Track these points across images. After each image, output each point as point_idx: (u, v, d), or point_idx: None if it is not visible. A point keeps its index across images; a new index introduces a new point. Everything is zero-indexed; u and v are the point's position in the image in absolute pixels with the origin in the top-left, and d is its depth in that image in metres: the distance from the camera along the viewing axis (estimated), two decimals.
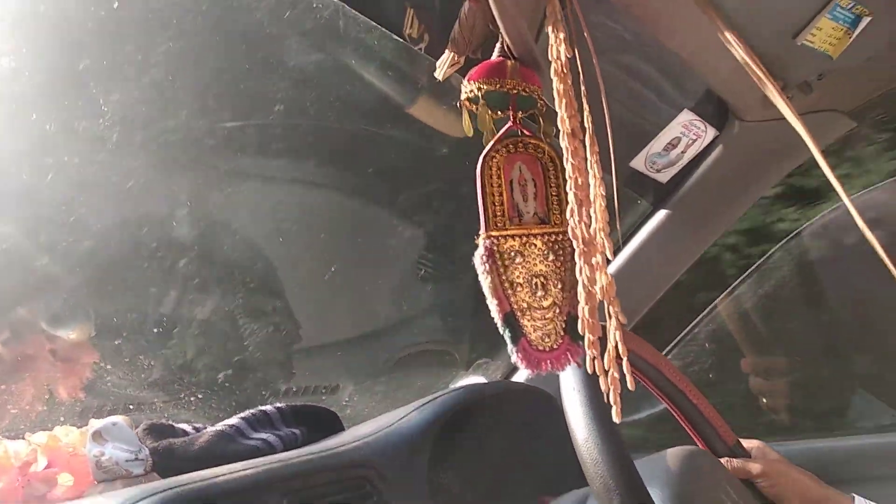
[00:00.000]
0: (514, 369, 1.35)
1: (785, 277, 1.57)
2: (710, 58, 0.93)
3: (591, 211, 0.51)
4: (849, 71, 0.98)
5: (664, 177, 1.18)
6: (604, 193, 0.51)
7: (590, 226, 0.50)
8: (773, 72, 1.00)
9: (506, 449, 1.08)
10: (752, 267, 1.52)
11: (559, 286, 0.59)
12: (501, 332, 0.58)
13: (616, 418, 0.49)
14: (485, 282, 0.59)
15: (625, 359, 0.48)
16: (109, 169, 1.05)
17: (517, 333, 0.57)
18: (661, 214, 1.21)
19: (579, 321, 0.50)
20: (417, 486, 0.83)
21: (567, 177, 0.51)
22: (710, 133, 1.13)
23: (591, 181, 0.52)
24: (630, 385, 0.48)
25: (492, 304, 0.58)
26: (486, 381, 1.45)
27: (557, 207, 0.61)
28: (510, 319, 0.58)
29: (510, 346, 0.57)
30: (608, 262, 0.51)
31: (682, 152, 1.15)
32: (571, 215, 0.50)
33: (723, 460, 0.97)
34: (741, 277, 1.53)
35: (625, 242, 1.24)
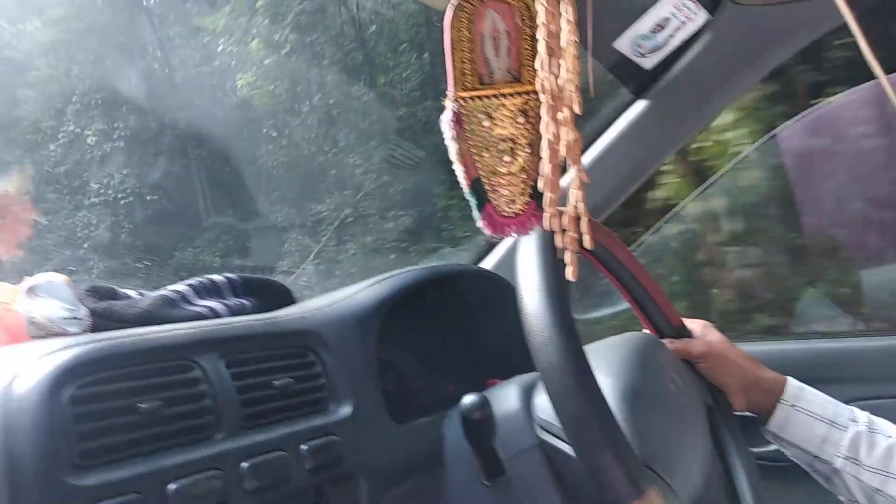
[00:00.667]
0: (479, 260, 1.32)
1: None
2: None
3: (563, 61, 0.46)
4: None
5: (649, 62, 1.11)
6: (577, 41, 0.46)
7: (559, 77, 0.45)
8: None
9: (458, 330, 1.07)
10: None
11: (528, 150, 0.54)
12: (467, 197, 0.54)
13: (571, 277, 0.46)
14: (451, 147, 0.54)
15: (584, 218, 0.45)
16: None
17: (483, 199, 0.53)
18: (642, 104, 1.16)
19: (540, 179, 0.46)
20: (364, 360, 0.81)
21: (538, 22, 0.45)
22: (702, 16, 1.06)
23: (564, 26, 0.46)
24: (588, 244, 0.44)
25: (458, 169, 0.54)
26: None
27: (531, 64, 0.55)
28: (477, 185, 0.53)
29: (475, 213, 0.53)
30: (576, 118, 0.46)
31: (671, 36, 1.08)
32: (541, 66, 0.45)
33: (666, 341, 0.97)
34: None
35: (602, 131, 1.19)
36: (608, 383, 0.77)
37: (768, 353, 1.36)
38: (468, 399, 0.78)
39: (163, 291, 0.80)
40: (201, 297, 0.81)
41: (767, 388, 0.97)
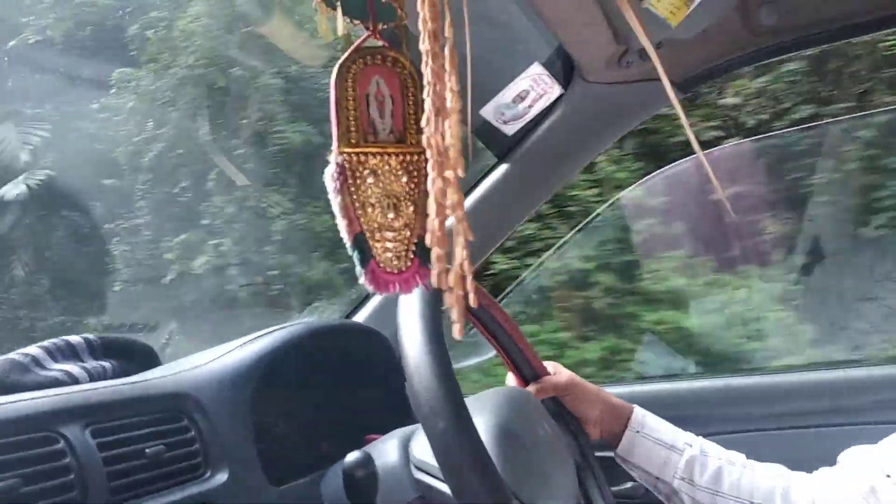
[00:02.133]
0: (352, 314, 1.30)
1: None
2: (563, 11, 0.93)
3: (448, 124, 0.47)
4: (682, 42, 1.03)
5: (510, 129, 1.18)
6: (459, 109, 0.47)
7: (444, 137, 0.47)
8: (620, 34, 1.03)
9: (336, 387, 1.05)
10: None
11: (412, 208, 0.55)
12: (350, 253, 0.53)
13: (457, 335, 0.46)
14: (335, 201, 0.53)
15: (468, 277, 0.46)
16: None
17: (367, 255, 0.53)
18: (505, 167, 1.22)
19: (427, 234, 0.46)
20: (241, 421, 0.77)
21: (425, 83, 0.47)
22: (557, 90, 1.14)
23: (448, 95, 0.48)
24: (473, 302, 0.45)
25: (342, 224, 0.53)
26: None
27: (415, 127, 0.56)
28: (360, 241, 0.53)
29: (359, 268, 0.53)
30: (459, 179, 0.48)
31: (529, 106, 1.15)
32: (427, 123, 0.46)
33: (532, 385, 1.02)
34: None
35: (468, 193, 1.23)
36: (483, 424, 0.78)
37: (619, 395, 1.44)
38: (352, 457, 0.76)
39: (11, 355, 0.72)
40: (56, 360, 0.74)
41: (618, 416, 1.05)
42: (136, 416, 0.65)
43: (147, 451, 0.64)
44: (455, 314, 0.47)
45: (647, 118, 1.20)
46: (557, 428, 0.97)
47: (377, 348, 1.08)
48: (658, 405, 1.38)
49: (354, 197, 0.53)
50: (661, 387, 1.46)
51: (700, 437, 1.05)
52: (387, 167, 0.54)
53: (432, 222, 0.48)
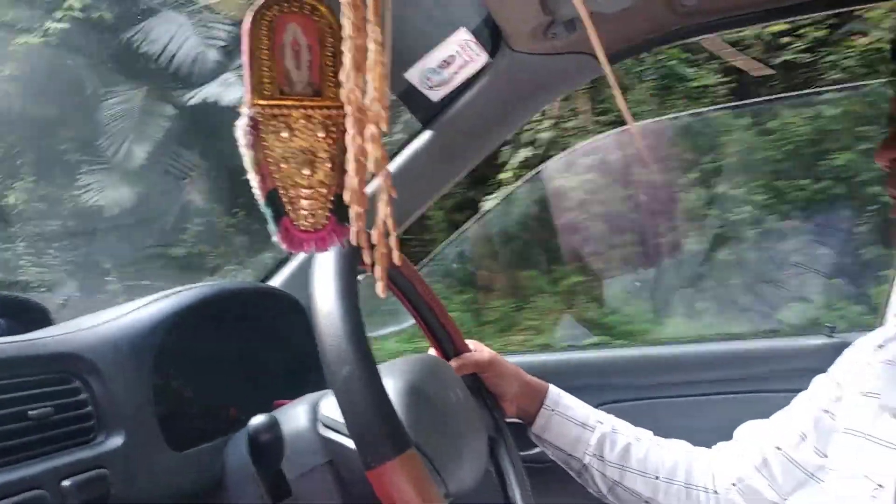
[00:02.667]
0: (267, 279, 1.26)
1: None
2: None
3: (370, 78, 0.45)
4: (608, 17, 1.03)
5: (436, 95, 1.15)
6: (384, 62, 0.45)
7: (365, 92, 0.44)
8: (547, 5, 1.02)
9: (246, 352, 1.01)
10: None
11: (329, 165, 0.52)
12: (263, 210, 0.50)
13: (381, 293, 0.45)
14: (247, 156, 0.50)
15: (392, 234, 0.44)
16: None
17: (280, 212, 0.50)
18: (429, 133, 1.20)
19: (346, 192, 0.44)
20: (139, 385, 0.72)
21: (344, 35, 0.44)
22: (483, 57, 1.13)
23: (371, 46, 0.46)
24: (397, 260, 0.44)
25: (254, 180, 0.50)
26: None
27: (333, 80, 0.53)
28: (273, 197, 0.50)
29: (271, 226, 0.50)
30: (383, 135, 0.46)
31: (455, 72, 1.13)
32: (346, 79, 0.44)
33: (453, 361, 1.02)
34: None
35: (393, 157, 1.21)
36: (392, 384, 0.78)
37: (528, 364, 1.47)
38: (256, 420, 0.73)
39: None
40: None
41: (533, 395, 1.07)
42: (19, 376, 0.60)
43: (31, 413, 0.59)
44: (378, 271, 0.46)
45: (571, 90, 1.21)
46: (472, 399, 0.98)
47: (291, 314, 1.05)
48: (564, 374, 1.42)
49: (267, 152, 0.50)
50: (566, 356, 1.49)
51: (611, 416, 1.08)
52: (302, 121, 0.52)
53: (351, 180, 0.45)
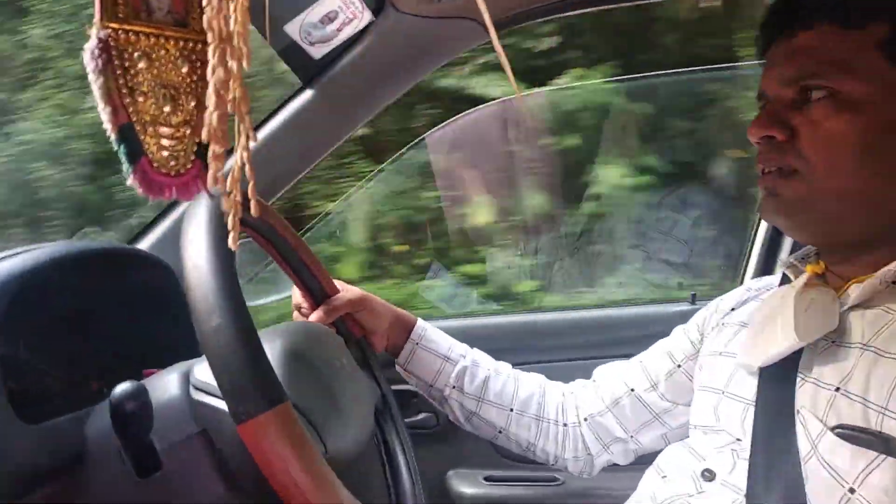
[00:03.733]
0: (134, 241, 1.16)
1: None
2: None
3: (233, 10, 0.41)
4: None
5: (317, 52, 1.10)
6: None
7: (229, 21, 0.40)
8: None
9: (109, 319, 0.92)
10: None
11: (193, 103, 0.47)
12: (115, 147, 0.44)
13: (232, 245, 0.41)
14: (96, 83, 0.44)
15: (251, 182, 0.40)
16: None
17: (136, 150, 0.45)
18: (310, 92, 1.14)
19: (204, 129, 0.40)
20: None
21: None
22: (367, 16, 1.08)
23: None
24: (254, 211, 0.40)
25: (104, 111, 0.44)
26: None
27: (198, 11, 0.48)
28: (127, 133, 0.44)
29: (125, 166, 0.44)
30: (244, 71, 0.41)
31: (338, 30, 1.08)
32: (208, 3, 0.39)
33: (324, 304, 1.00)
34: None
35: (272, 115, 1.14)
36: (271, 346, 0.74)
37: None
38: (120, 388, 0.67)
39: None
40: None
41: (402, 328, 1.08)
42: None
43: None
44: (230, 220, 0.42)
45: (456, 56, 1.19)
46: (358, 369, 0.95)
47: (160, 278, 0.97)
48: (462, 340, 1.42)
49: (121, 81, 0.44)
50: (465, 322, 1.50)
51: (474, 349, 1.11)
52: (163, 52, 0.46)
53: (210, 115, 0.41)
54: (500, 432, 1.07)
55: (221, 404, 0.66)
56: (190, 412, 0.72)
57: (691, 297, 1.45)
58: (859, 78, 0.71)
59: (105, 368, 0.91)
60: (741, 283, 1.52)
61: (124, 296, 0.95)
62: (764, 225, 1.44)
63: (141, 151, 0.45)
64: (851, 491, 0.65)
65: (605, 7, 1.15)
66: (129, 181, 0.45)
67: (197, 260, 0.62)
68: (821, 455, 0.68)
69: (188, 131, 0.47)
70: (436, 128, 1.58)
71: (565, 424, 1.06)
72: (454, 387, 1.06)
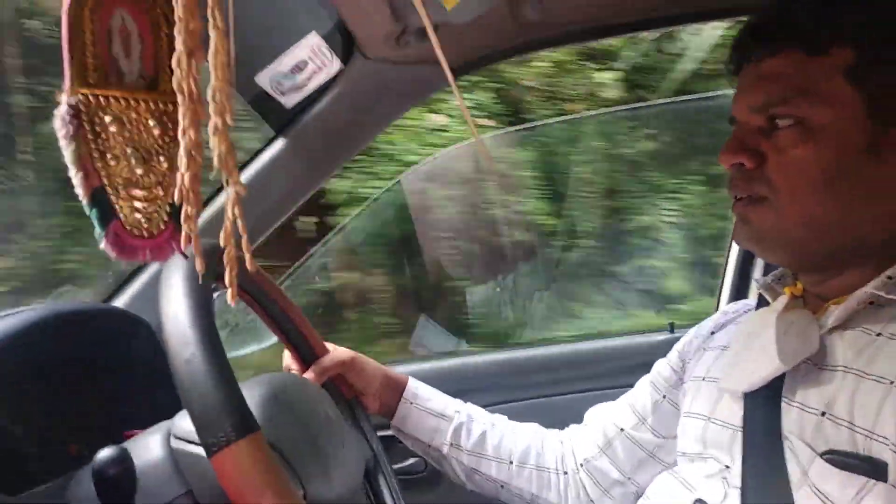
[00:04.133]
0: (109, 299, 1.14)
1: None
2: None
3: (211, 67, 0.41)
4: (456, 28, 1.04)
5: (289, 101, 1.11)
6: (226, 49, 0.41)
7: (199, 81, 0.40)
8: (399, 12, 1.02)
9: (88, 380, 0.90)
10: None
11: (165, 164, 0.47)
12: (88, 211, 0.44)
13: (231, 301, 0.41)
14: (68, 148, 0.44)
15: (244, 237, 0.40)
16: None
17: (108, 214, 0.44)
18: (283, 141, 1.15)
19: (177, 190, 0.39)
20: None
21: (176, 17, 0.40)
22: (336, 64, 1.10)
23: (212, 33, 0.42)
24: (249, 265, 0.40)
25: (76, 177, 0.44)
26: None
27: (170, 72, 0.48)
28: (99, 197, 0.44)
29: (98, 230, 0.44)
30: (228, 130, 0.42)
31: (308, 78, 1.09)
32: (177, 65, 0.40)
33: (315, 365, 0.99)
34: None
35: (245, 166, 1.14)
36: (249, 391, 0.72)
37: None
38: (103, 453, 0.65)
39: None
40: None
41: (394, 388, 1.06)
42: None
43: None
44: (227, 276, 0.41)
45: (425, 99, 1.21)
46: (344, 422, 0.94)
47: (138, 336, 0.96)
48: (433, 382, 1.41)
49: (93, 146, 0.44)
50: (436, 364, 1.49)
51: (468, 404, 1.09)
52: (134, 115, 0.46)
53: (182, 176, 0.41)
54: (501, 487, 1.04)
55: (202, 451, 0.64)
56: (174, 474, 0.71)
57: (670, 327, 1.46)
58: (825, 104, 0.71)
59: (84, 431, 0.88)
60: (717, 306, 1.54)
61: (102, 355, 0.93)
62: (735, 248, 1.47)
63: (113, 215, 0.44)
64: None
65: (569, 45, 1.18)
66: (102, 245, 0.45)
67: (174, 302, 0.62)
68: (812, 482, 0.67)
69: (161, 192, 0.47)
70: (410, 169, 1.60)
71: (566, 473, 1.04)
72: (451, 444, 1.04)
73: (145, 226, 0.45)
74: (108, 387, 0.93)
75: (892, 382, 0.65)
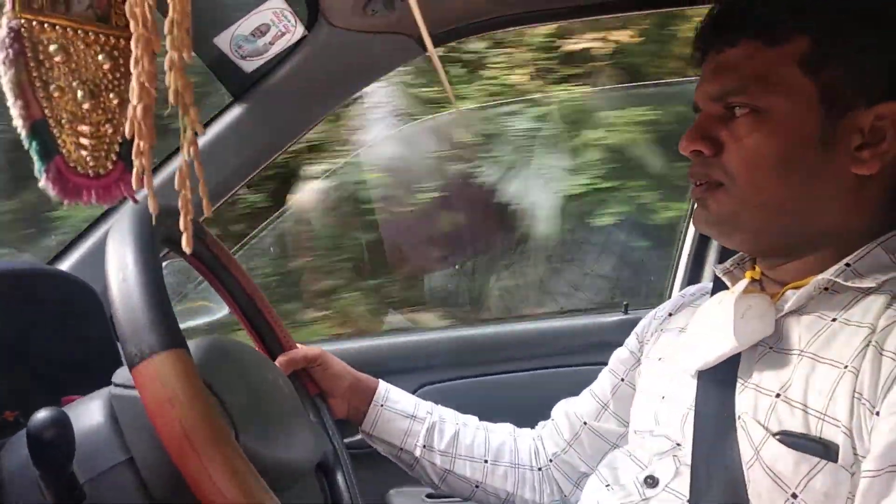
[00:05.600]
0: (54, 262, 1.09)
1: None
2: None
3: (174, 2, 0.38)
4: (426, 1, 1.01)
5: (249, 66, 1.07)
6: None
7: (154, 9, 0.37)
8: None
9: (24, 344, 0.85)
10: None
11: (116, 101, 0.44)
12: (27, 144, 0.40)
13: (186, 248, 0.37)
14: (6, 75, 0.40)
15: (201, 181, 0.37)
16: None
17: (50, 148, 0.41)
18: (241, 107, 1.10)
19: (127, 123, 0.36)
20: None
21: None
22: (300, 30, 1.06)
23: None
24: (206, 210, 0.37)
25: (15, 106, 0.40)
26: None
27: (122, 6, 0.45)
28: (40, 129, 0.41)
29: (38, 165, 0.41)
30: (185, 66, 0.38)
31: (270, 43, 1.05)
32: None
33: (281, 356, 0.95)
34: None
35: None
36: (197, 343, 0.70)
37: (345, 350, 1.42)
38: (40, 415, 0.61)
39: None
40: None
41: (363, 390, 1.02)
42: None
43: None
44: (182, 220, 0.38)
45: (390, 72, 1.18)
46: (297, 397, 0.90)
47: (81, 300, 0.91)
48: (383, 359, 1.39)
49: (35, 74, 0.41)
50: (385, 340, 1.47)
51: (438, 406, 1.06)
52: (82, 46, 0.43)
53: (133, 108, 0.38)
54: (476, 487, 1.02)
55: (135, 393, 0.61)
56: (115, 441, 0.67)
57: (624, 308, 1.47)
58: (779, 93, 0.72)
59: (21, 396, 0.83)
60: (670, 292, 1.56)
61: (42, 319, 0.88)
62: (690, 235, 1.49)
63: (55, 150, 0.41)
64: (794, 496, 0.65)
65: (540, 25, 1.17)
66: (42, 182, 0.41)
67: (118, 242, 0.57)
68: (763, 461, 0.68)
69: (110, 130, 0.43)
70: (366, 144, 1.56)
71: (539, 469, 1.03)
72: (424, 446, 1.00)
73: (91, 164, 0.42)
74: (47, 352, 0.88)
75: (845, 367, 0.66)
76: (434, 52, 0.46)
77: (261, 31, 1.02)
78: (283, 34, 1.05)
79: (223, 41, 1.00)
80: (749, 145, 0.73)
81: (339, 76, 1.15)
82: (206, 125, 1.09)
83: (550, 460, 1.02)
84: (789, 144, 0.72)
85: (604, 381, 1.02)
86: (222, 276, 0.90)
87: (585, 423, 1.00)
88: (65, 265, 1.03)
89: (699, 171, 0.77)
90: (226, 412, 0.66)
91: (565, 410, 1.04)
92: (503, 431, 1.06)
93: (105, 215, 1.07)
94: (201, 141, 1.08)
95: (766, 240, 0.77)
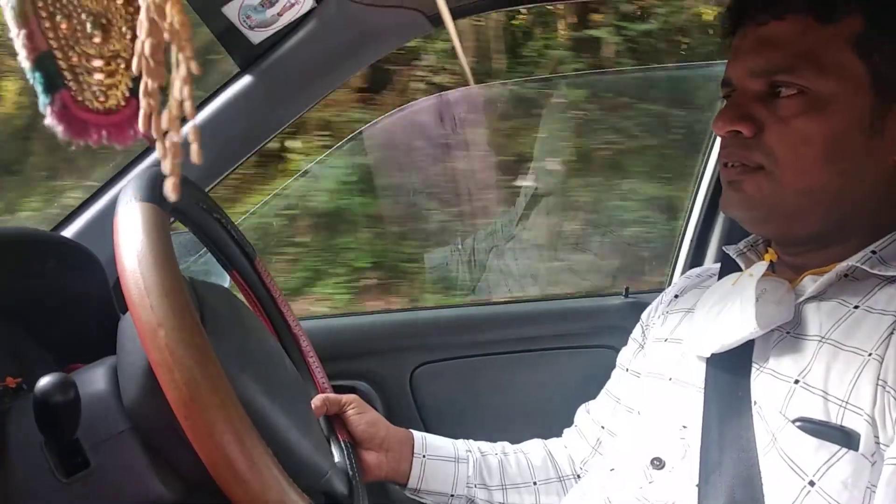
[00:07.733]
0: (57, 228, 1.04)
1: None
2: None
3: None
4: None
5: (256, 36, 1.02)
6: None
7: None
8: None
9: (26, 311, 0.81)
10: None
11: (128, 35, 0.40)
12: (30, 77, 0.37)
13: (172, 193, 0.33)
14: (9, 4, 0.36)
15: (192, 123, 0.33)
16: None
17: (55, 81, 0.37)
18: (247, 78, 1.06)
19: (134, 60, 0.32)
20: None
21: None
22: (309, 2, 1.02)
23: None
24: (195, 158, 0.33)
25: (19, 37, 0.36)
26: None
27: None
28: (46, 62, 0.37)
29: (42, 99, 0.37)
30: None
31: (278, 14, 1.01)
32: None
33: (316, 398, 0.90)
34: None
35: (207, 101, 1.05)
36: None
37: (342, 326, 1.38)
38: (46, 380, 0.58)
39: None
40: None
41: (400, 442, 0.94)
42: None
43: None
44: (168, 165, 0.35)
45: (398, 46, 1.14)
46: (333, 461, 0.86)
47: (85, 268, 0.87)
48: (380, 336, 1.36)
49: (40, 4, 0.37)
50: (381, 318, 1.43)
51: (471, 441, 1.01)
52: None
53: (142, 44, 0.34)
54: None
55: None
56: (119, 408, 0.64)
57: (625, 291, 1.45)
58: (829, 75, 0.67)
59: (24, 364, 0.80)
60: (671, 274, 1.53)
61: (44, 286, 0.84)
62: (693, 219, 1.45)
63: (62, 83, 0.37)
64: (811, 484, 0.63)
65: (548, 3, 1.13)
66: (47, 118, 0.37)
67: (132, 227, 0.55)
68: (781, 448, 0.66)
69: (122, 66, 0.39)
70: (375, 120, 1.53)
71: (578, 476, 1.00)
72: (476, 485, 0.95)
73: (101, 100, 0.38)
74: (50, 319, 0.84)
75: (869, 354, 0.63)
76: (452, 27, 0.42)
77: (270, 1, 0.98)
78: (292, 5, 1.01)
79: (231, 10, 0.96)
80: (797, 128, 0.68)
81: (346, 50, 1.11)
82: (211, 96, 1.05)
83: (581, 467, 1.00)
84: (838, 130, 0.67)
85: (615, 377, 0.99)
86: (272, 313, 0.88)
87: (603, 427, 0.97)
88: (68, 232, 0.99)
89: (736, 153, 0.72)
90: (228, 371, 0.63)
91: (586, 416, 1.01)
92: (537, 448, 1.02)
93: (110, 183, 1.03)
94: (206, 112, 1.04)
95: (800, 227, 0.72)
